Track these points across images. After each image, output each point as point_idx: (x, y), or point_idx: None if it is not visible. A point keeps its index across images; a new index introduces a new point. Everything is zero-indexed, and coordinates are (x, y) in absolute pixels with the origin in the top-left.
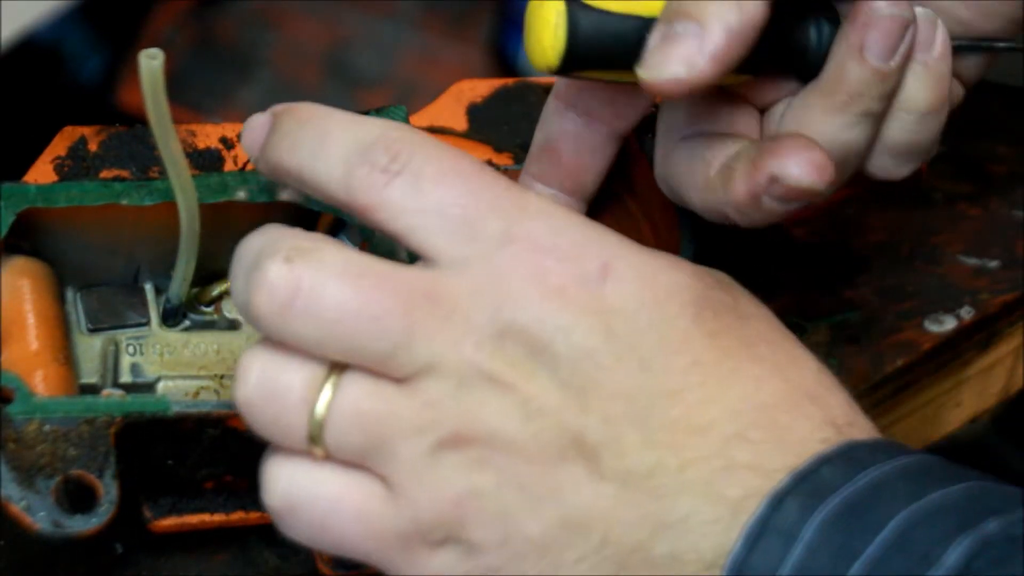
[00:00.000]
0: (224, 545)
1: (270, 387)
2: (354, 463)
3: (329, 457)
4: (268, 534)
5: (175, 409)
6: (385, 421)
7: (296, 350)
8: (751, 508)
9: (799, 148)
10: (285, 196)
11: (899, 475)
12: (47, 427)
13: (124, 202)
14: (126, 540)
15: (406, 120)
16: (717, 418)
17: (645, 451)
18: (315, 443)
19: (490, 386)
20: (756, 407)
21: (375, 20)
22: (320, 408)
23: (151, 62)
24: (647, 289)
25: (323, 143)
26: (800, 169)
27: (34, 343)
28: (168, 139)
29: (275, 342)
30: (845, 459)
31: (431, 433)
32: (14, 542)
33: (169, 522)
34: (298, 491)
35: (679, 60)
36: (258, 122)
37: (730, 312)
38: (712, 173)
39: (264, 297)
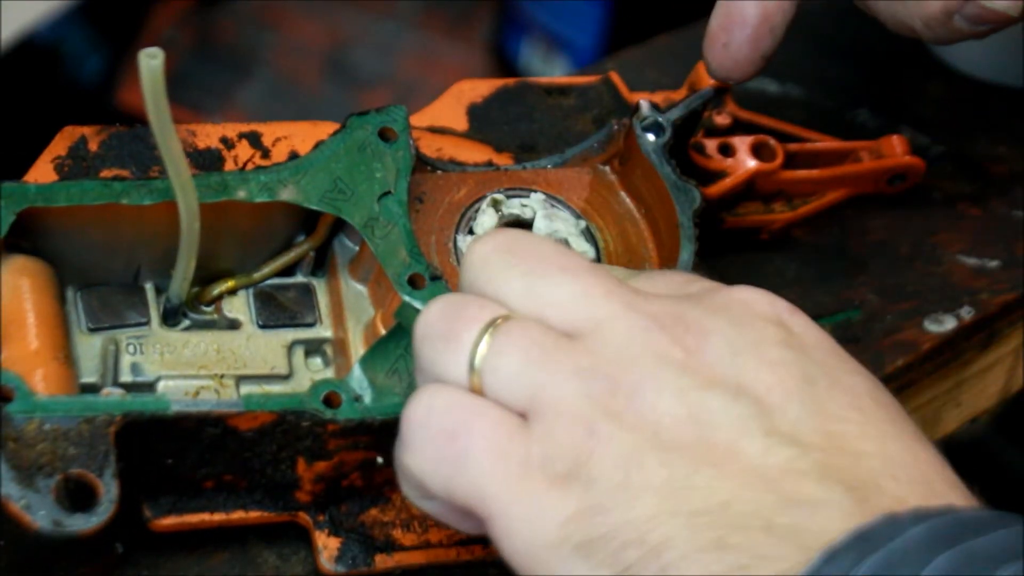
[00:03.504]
0: (224, 545)
1: (452, 310)
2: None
3: (481, 388)
4: (268, 534)
5: (175, 408)
6: (545, 356)
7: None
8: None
9: None
10: (285, 196)
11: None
12: (47, 426)
13: (124, 202)
14: (126, 540)
15: (406, 120)
16: (870, 453)
17: (786, 442)
18: (472, 369)
19: (654, 348)
20: (913, 465)
21: (375, 20)
22: (489, 333)
23: (151, 62)
24: (827, 340)
25: None
26: None
27: (34, 342)
28: (168, 139)
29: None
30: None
31: (585, 375)
32: (14, 541)
33: (169, 522)
34: (439, 402)
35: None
36: None
37: (901, 409)
38: None
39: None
